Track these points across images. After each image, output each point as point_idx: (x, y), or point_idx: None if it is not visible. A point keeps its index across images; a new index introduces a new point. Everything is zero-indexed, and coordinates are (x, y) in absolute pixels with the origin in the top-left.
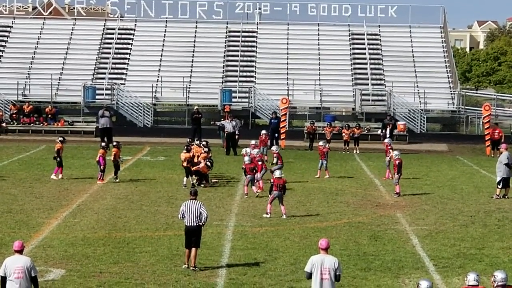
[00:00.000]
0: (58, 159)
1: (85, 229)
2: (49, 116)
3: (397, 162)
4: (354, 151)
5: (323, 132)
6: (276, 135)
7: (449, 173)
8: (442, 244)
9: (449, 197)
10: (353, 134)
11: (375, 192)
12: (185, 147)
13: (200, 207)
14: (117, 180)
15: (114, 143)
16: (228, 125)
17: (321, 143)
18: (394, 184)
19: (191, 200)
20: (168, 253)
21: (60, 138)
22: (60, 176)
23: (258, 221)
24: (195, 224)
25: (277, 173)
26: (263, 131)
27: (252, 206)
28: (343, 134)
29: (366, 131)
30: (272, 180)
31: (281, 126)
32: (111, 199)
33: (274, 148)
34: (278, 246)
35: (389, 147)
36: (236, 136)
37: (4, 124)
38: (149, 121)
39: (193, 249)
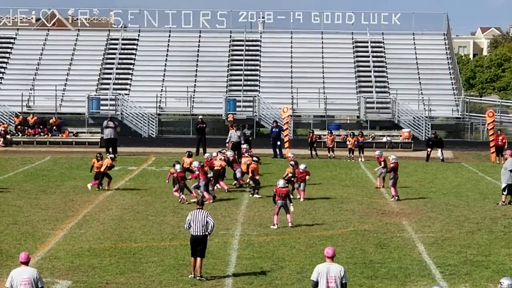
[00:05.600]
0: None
1: (91, 240)
2: (54, 127)
3: (391, 165)
4: (359, 159)
5: (325, 140)
6: (279, 143)
7: (454, 180)
8: (448, 251)
9: (454, 204)
10: (358, 142)
11: (381, 200)
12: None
13: (206, 216)
14: (105, 188)
15: (97, 154)
16: (234, 134)
17: (244, 145)
18: (390, 187)
19: (198, 210)
20: (174, 263)
21: (98, 155)
22: (90, 186)
23: (264, 230)
24: (201, 233)
25: (280, 183)
26: (245, 145)
27: (258, 215)
28: (348, 142)
29: (371, 139)
30: (274, 190)
31: (284, 135)
32: (116, 209)
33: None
34: (284, 255)
35: (381, 159)
36: (241, 146)
37: (9, 136)
38: (153, 131)
39: (198, 259)
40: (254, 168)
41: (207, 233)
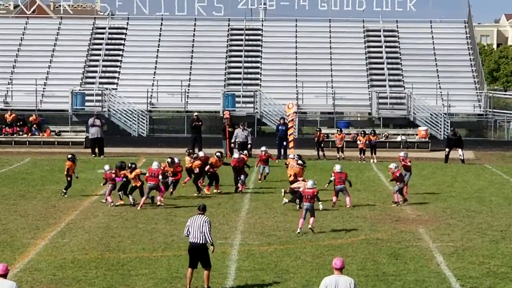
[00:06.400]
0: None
1: (75, 250)
2: (34, 125)
3: (397, 174)
4: (371, 160)
5: (334, 139)
6: (285, 143)
7: (476, 184)
8: (469, 262)
9: (476, 210)
10: (370, 141)
11: (395, 206)
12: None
13: (205, 221)
14: (65, 196)
15: (69, 156)
16: (240, 134)
17: (263, 148)
18: (393, 193)
19: (198, 215)
20: (167, 275)
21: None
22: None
23: (266, 239)
24: (199, 241)
25: (309, 183)
26: (263, 148)
27: (260, 223)
28: (359, 141)
29: (384, 138)
30: (301, 191)
31: (289, 133)
32: (103, 216)
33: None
34: (289, 266)
35: (407, 162)
36: (249, 146)
37: None
38: (144, 130)
39: (205, 272)
40: (298, 172)
41: (205, 241)
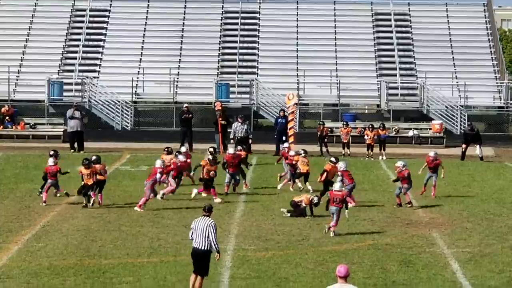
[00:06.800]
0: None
1: (51, 256)
2: (6, 117)
3: (406, 173)
4: (380, 157)
5: (339, 134)
6: (284, 138)
7: (496, 183)
8: (488, 270)
9: (496, 213)
10: (378, 136)
11: (406, 208)
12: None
13: (209, 225)
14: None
15: (51, 152)
16: (240, 128)
17: (286, 144)
18: (404, 194)
19: (202, 217)
20: (153, 283)
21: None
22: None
23: (263, 244)
24: (202, 247)
25: (337, 186)
26: (286, 144)
27: (256, 226)
28: (366, 136)
29: (394, 133)
30: (329, 194)
31: (289, 127)
32: (83, 218)
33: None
34: (288, 274)
35: (438, 163)
36: (250, 141)
37: None
38: (128, 123)
39: (198, 278)
40: (330, 170)
41: (209, 247)
